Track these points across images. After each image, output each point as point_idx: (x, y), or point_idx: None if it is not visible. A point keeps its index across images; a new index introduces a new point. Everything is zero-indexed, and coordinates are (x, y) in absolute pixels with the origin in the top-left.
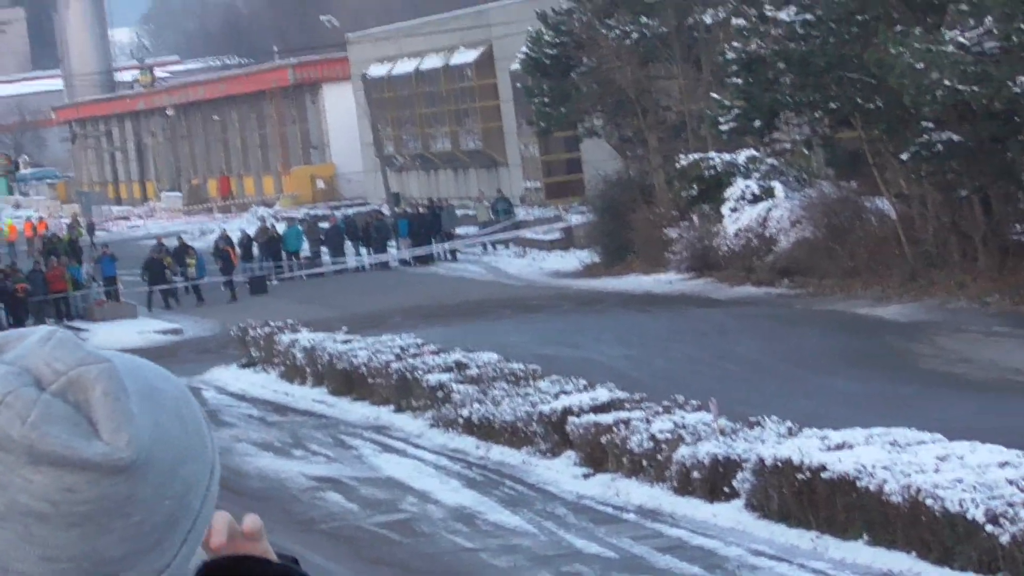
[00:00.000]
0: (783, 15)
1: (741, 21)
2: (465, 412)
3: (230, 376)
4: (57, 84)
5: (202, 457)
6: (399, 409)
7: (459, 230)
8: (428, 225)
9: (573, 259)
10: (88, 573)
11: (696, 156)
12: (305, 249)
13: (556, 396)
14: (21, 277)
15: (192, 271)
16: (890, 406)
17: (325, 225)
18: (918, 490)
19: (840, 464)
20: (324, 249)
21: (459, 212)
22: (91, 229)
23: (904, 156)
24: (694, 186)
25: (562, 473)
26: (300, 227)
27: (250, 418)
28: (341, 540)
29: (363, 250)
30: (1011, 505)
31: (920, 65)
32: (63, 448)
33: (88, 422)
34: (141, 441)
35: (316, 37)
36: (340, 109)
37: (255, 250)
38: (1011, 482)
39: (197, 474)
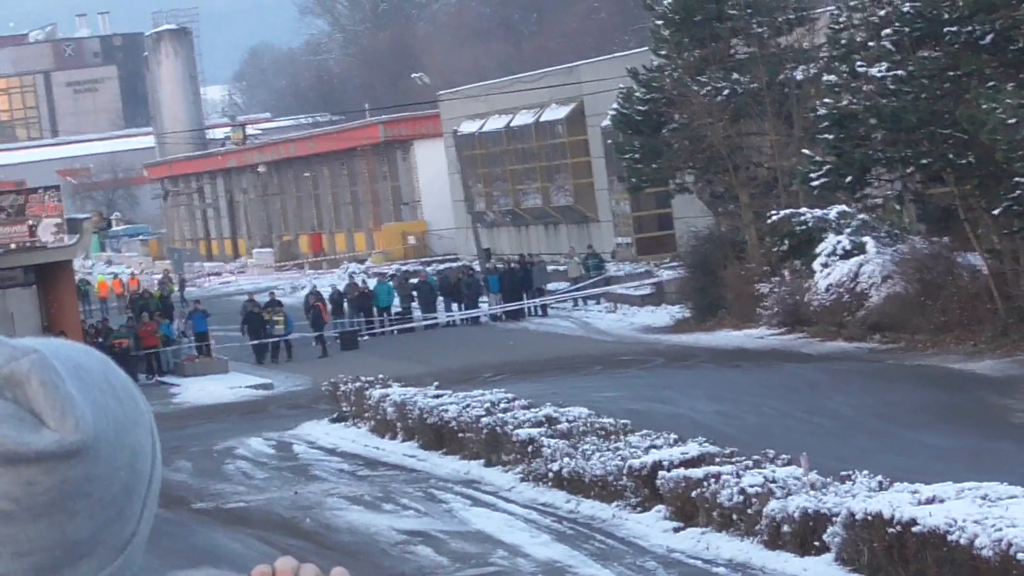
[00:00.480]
0: (874, 71)
1: (832, 77)
2: (555, 466)
3: (321, 431)
4: (149, 141)
5: (141, 421)
6: (489, 463)
7: (550, 286)
8: (519, 281)
9: (664, 315)
10: (61, 559)
11: (787, 212)
12: (396, 305)
13: (646, 451)
14: (122, 333)
15: (280, 327)
16: (982, 461)
17: (416, 281)
18: (1009, 544)
19: (931, 518)
20: (415, 305)
21: (550, 268)
22: (182, 285)
23: (996, 211)
24: (785, 241)
25: (652, 527)
26: (391, 283)
27: (341, 472)
28: None
29: (454, 306)
30: None
31: (1012, 120)
32: (15, 445)
33: (32, 414)
34: (86, 422)
35: (407, 95)
36: (431, 166)
37: (346, 306)
38: None
39: (140, 438)
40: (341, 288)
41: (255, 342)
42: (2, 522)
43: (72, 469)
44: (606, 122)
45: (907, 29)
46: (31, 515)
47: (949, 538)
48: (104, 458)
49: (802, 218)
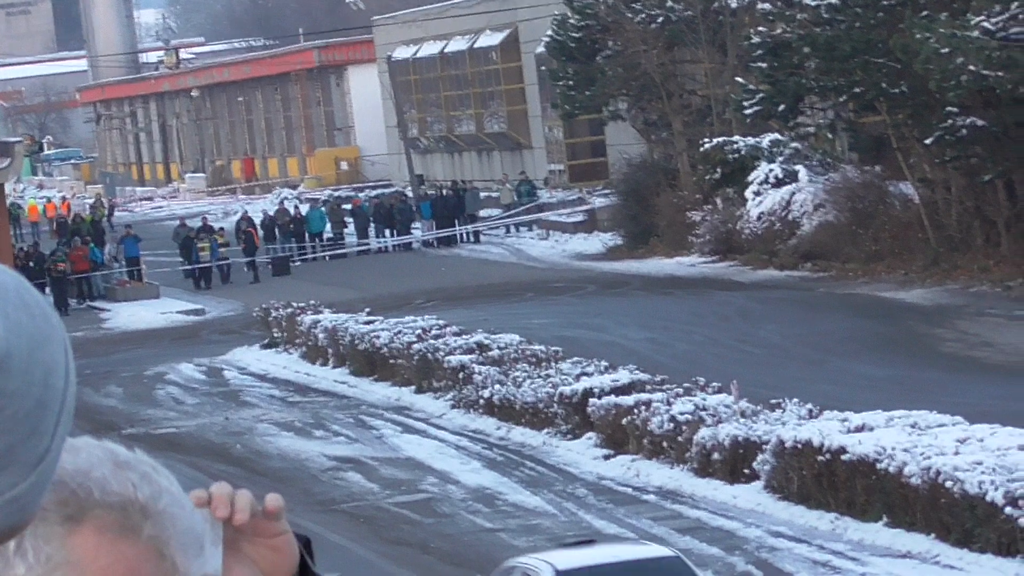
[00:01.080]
0: (809, 0)
1: (767, 5)
2: (486, 393)
3: (252, 357)
4: (82, 65)
5: (54, 338)
6: (420, 390)
7: (482, 212)
8: (452, 207)
9: (596, 242)
10: None
11: (720, 140)
12: (328, 231)
13: (577, 378)
14: (60, 257)
15: (205, 254)
16: (911, 390)
17: (349, 207)
18: (938, 472)
19: (860, 446)
20: (348, 231)
21: (483, 194)
22: (112, 210)
23: (928, 141)
24: (718, 170)
25: (582, 454)
26: (323, 209)
27: (272, 398)
28: (361, 520)
29: (386, 232)
30: None
31: (945, 50)
32: None
33: None
34: None
35: (342, 20)
36: (365, 91)
37: (277, 232)
38: None
39: (54, 355)
40: (273, 213)
41: (190, 267)
42: None
43: None
44: (540, 49)
45: None
46: None
47: (878, 466)
48: (17, 373)
49: (735, 146)
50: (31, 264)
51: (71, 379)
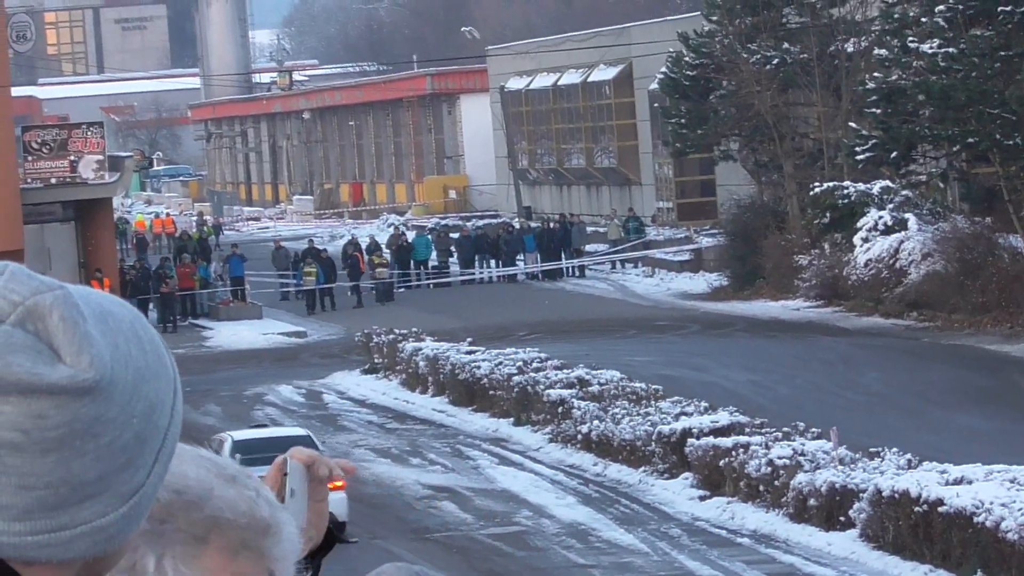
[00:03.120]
0: (926, 47)
1: (883, 52)
2: (585, 428)
3: (352, 381)
4: (195, 83)
5: (163, 376)
6: (519, 422)
7: (589, 247)
8: (558, 240)
9: (702, 281)
10: (65, 497)
11: (831, 184)
12: (434, 258)
13: (677, 417)
14: (170, 274)
15: (311, 279)
16: (1012, 444)
17: (457, 235)
18: None
19: (958, 499)
20: (453, 259)
21: (590, 229)
22: (219, 229)
23: None
24: (827, 214)
25: (678, 494)
26: (430, 236)
27: (370, 424)
28: (454, 550)
29: (491, 262)
30: None
31: None
32: (29, 375)
33: (49, 348)
34: (103, 361)
35: (455, 48)
36: (476, 121)
37: (389, 256)
38: None
39: (160, 392)
40: (381, 239)
41: (292, 288)
42: (9, 453)
43: (83, 408)
44: (654, 85)
45: (960, 6)
46: (39, 449)
47: (975, 520)
48: (118, 402)
49: (845, 191)
50: (137, 279)
51: (176, 420)
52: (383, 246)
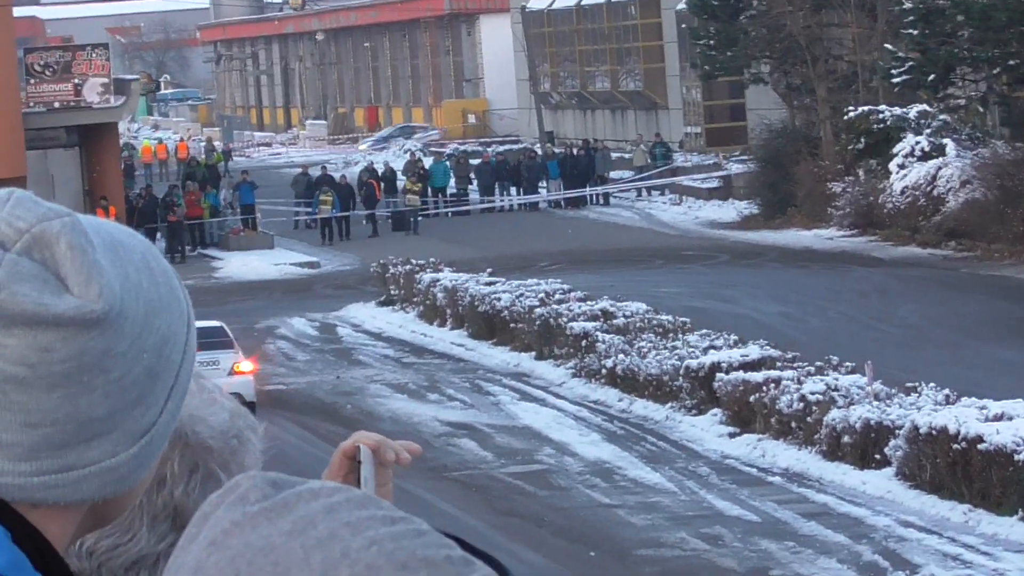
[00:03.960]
0: None
1: None
2: (609, 363)
3: (367, 314)
4: (204, 2)
5: (175, 309)
6: (540, 356)
7: (613, 174)
8: (582, 167)
9: (731, 209)
10: (72, 435)
11: (866, 109)
12: (452, 186)
13: (705, 351)
14: (178, 202)
15: (328, 207)
16: None
17: (475, 162)
18: None
19: (998, 436)
20: (472, 187)
21: (614, 155)
22: (228, 155)
23: None
24: (862, 140)
25: (707, 431)
26: (448, 163)
27: (385, 358)
28: (473, 489)
29: (512, 190)
30: None
31: None
32: (34, 306)
33: (56, 278)
34: (112, 292)
35: None
36: (496, 42)
37: (399, 184)
38: None
39: (173, 326)
40: (396, 165)
41: (307, 217)
42: (14, 388)
43: (91, 340)
44: (681, 5)
45: None
46: (45, 384)
47: (1016, 457)
48: (128, 335)
49: (881, 116)
50: (145, 207)
51: (189, 355)
52: (398, 172)
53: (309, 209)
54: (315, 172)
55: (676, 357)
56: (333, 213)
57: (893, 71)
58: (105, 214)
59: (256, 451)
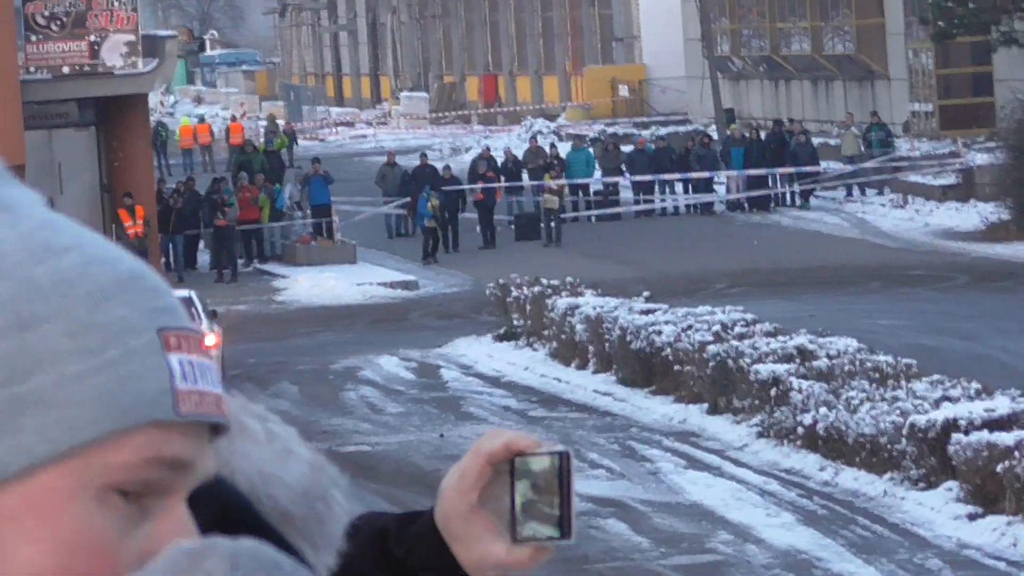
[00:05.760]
0: None
1: None
2: (808, 419)
3: (481, 352)
4: None
5: None
6: (715, 410)
7: (815, 166)
8: (772, 156)
9: (973, 214)
10: None
11: None
12: (597, 181)
13: (936, 404)
14: (229, 200)
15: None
16: None
17: (628, 149)
18: None
19: None
20: (624, 182)
21: (817, 141)
22: (294, 138)
23: None
24: None
25: (939, 511)
26: (591, 150)
27: (506, 411)
28: None
29: (679, 187)
30: None
31: None
32: None
33: None
34: None
35: None
36: None
37: (526, 178)
38: None
39: None
40: (520, 154)
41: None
42: None
43: None
44: None
45: None
46: None
47: None
48: None
49: None
50: (184, 207)
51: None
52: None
53: (402, 211)
54: (410, 163)
55: (898, 412)
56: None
57: None
58: (130, 216)
59: (343, 517)
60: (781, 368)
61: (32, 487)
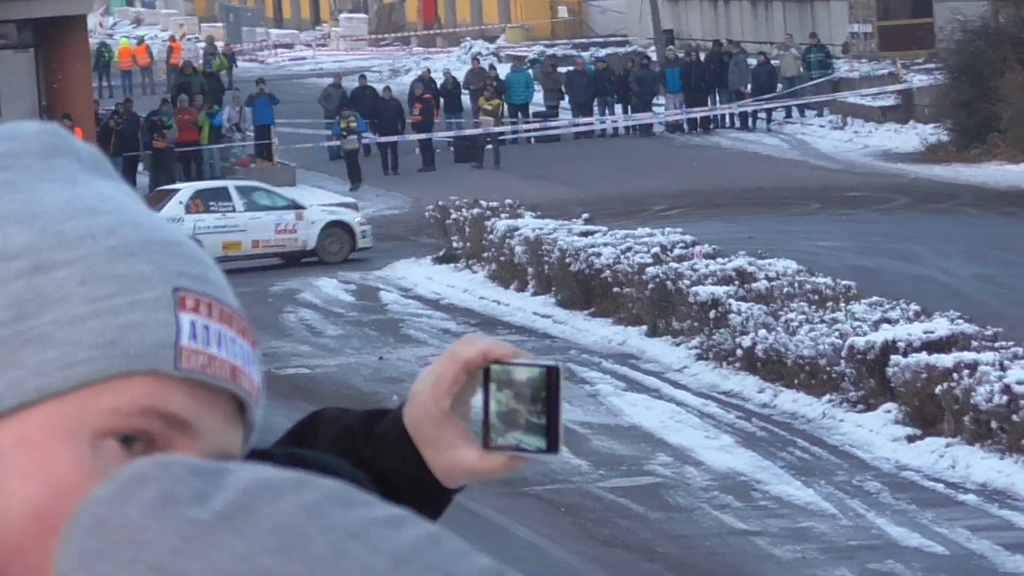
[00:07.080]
0: None
1: None
2: (747, 341)
3: (421, 274)
4: None
5: None
6: (654, 332)
7: (754, 87)
8: (711, 78)
9: (912, 136)
10: None
11: None
12: (537, 102)
13: (876, 326)
14: (167, 122)
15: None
16: None
17: (567, 70)
18: None
19: None
20: (563, 104)
21: (754, 61)
22: (234, 60)
23: None
24: None
25: (878, 433)
26: (531, 72)
27: (445, 333)
28: (562, 510)
29: (618, 108)
30: None
31: None
32: None
33: None
34: None
35: None
36: None
37: (466, 100)
38: None
39: None
40: (460, 76)
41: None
42: None
43: None
44: None
45: None
46: None
47: None
48: None
49: None
50: (123, 129)
51: None
52: (465, 84)
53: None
54: (349, 84)
55: (837, 334)
56: (362, 142)
57: None
58: None
59: None
60: (720, 290)
61: (27, 423)
